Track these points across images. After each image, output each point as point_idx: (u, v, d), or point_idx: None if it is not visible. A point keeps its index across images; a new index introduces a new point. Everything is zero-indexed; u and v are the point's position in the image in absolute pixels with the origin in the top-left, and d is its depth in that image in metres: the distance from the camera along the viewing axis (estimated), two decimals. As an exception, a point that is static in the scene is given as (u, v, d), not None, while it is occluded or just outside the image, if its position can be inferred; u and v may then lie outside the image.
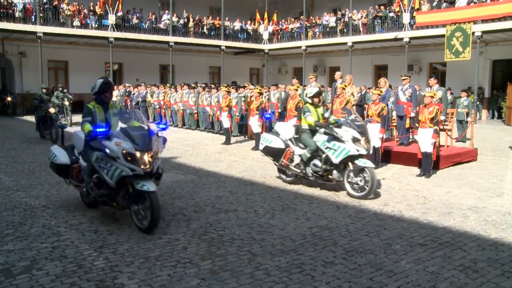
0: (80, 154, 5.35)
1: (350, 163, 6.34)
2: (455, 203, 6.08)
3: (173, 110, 16.74)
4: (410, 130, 9.67)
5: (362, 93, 13.44)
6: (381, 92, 9.57)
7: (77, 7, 21.02)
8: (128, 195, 4.74)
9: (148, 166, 4.60)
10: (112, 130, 4.98)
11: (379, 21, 21.47)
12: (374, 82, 22.62)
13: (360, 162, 6.23)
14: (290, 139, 7.08)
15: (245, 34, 26.48)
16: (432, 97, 7.90)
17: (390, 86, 12.46)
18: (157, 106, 17.87)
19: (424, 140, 7.68)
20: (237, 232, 4.79)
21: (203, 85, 17.47)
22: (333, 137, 6.48)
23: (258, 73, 31.09)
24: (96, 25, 21.22)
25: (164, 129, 5.22)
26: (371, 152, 6.47)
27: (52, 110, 11.87)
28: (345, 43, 22.10)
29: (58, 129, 11.37)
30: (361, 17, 22.29)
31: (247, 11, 28.46)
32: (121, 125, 5.08)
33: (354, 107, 10.07)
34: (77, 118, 16.74)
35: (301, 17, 25.70)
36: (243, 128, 13.83)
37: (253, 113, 11.10)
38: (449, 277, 3.70)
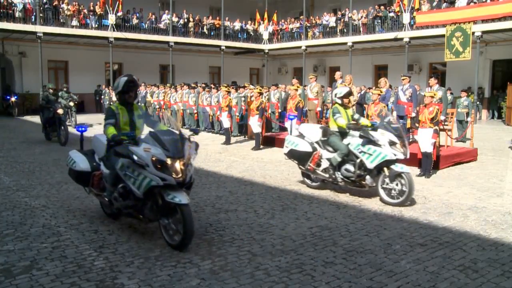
0: (101, 160, 4.91)
1: (385, 168, 5.98)
2: (455, 203, 6.08)
3: (173, 110, 16.73)
4: (410, 130, 9.67)
5: (362, 93, 13.46)
6: (381, 92, 9.58)
7: (77, 7, 21.02)
8: (157, 207, 4.27)
9: (180, 175, 4.10)
10: (137, 134, 4.69)
11: (379, 21, 21.48)
12: (374, 82, 22.63)
13: (397, 167, 5.89)
14: (317, 142, 6.67)
15: (245, 34, 26.48)
16: (432, 97, 7.90)
17: (390, 86, 12.47)
18: (157, 106, 17.87)
19: (424, 140, 7.68)
20: (237, 232, 4.79)
21: (203, 85, 17.47)
22: (368, 141, 6.10)
23: (258, 73, 31.09)
24: (96, 25, 21.23)
25: (196, 132, 4.96)
26: (408, 156, 6.12)
27: (60, 111, 11.36)
28: (345, 43, 22.10)
29: (65, 130, 11.08)
30: (361, 17, 22.29)
31: (247, 11, 28.47)
32: (147, 128, 4.68)
33: (354, 107, 10.07)
34: (80, 119, 16.84)
35: (301, 17, 25.69)
36: (243, 128, 13.83)
37: (253, 113, 11.11)
38: (449, 277, 3.70)
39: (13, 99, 20.10)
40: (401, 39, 19.89)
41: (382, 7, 22.07)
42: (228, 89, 12.79)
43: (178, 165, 4.10)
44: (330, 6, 27.51)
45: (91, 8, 21.42)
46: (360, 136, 6.23)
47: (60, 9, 20.49)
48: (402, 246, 4.42)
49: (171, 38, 22.82)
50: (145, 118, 4.87)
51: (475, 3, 17.93)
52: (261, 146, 11.21)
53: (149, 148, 4.14)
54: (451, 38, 17.81)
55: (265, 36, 26.53)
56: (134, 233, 4.71)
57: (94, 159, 5.09)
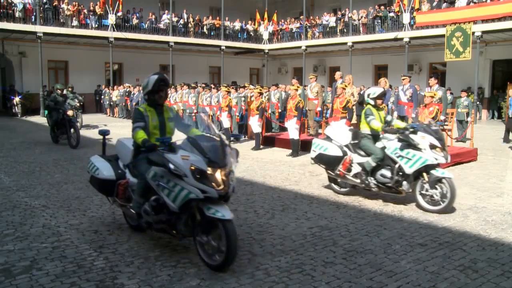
0: (127, 167, 4.48)
1: (424, 173, 5.65)
2: (455, 203, 6.07)
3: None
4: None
5: (361, 92, 13.46)
6: (381, 92, 9.56)
7: (77, 7, 21.03)
8: (193, 222, 3.85)
9: (222, 187, 3.64)
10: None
11: (379, 21, 21.48)
12: (374, 82, 22.62)
13: (438, 172, 5.56)
14: (346, 146, 6.28)
15: (245, 34, 26.49)
16: (432, 97, 7.90)
17: (390, 86, 12.47)
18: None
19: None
20: (237, 232, 4.78)
21: (203, 85, 17.48)
22: (407, 145, 5.75)
23: (258, 73, 31.10)
24: (96, 25, 21.24)
25: (238, 138, 4.32)
26: (449, 160, 5.86)
27: (70, 112, 10.87)
28: (345, 43, 22.11)
29: (76, 132, 10.75)
30: (361, 17, 22.30)
31: (247, 11, 28.48)
32: (178, 133, 4.31)
33: (354, 107, 10.07)
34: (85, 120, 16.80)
35: (301, 17, 25.71)
36: (243, 128, 13.83)
37: (253, 113, 11.11)
38: (449, 277, 3.70)
39: (17, 99, 19.90)
40: (401, 39, 19.90)
41: (382, 7, 22.08)
42: (228, 89, 12.80)
43: (219, 175, 3.63)
44: (330, 6, 27.52)
45: (91, 8, 21.43)
46: (399, 140, 5.86)
47: (60, 9, 20.50)
48: (402, 246, 4.42)
49: (171, 38, 22.83)
50: (176, 121, 4.41)
51: (475, 3, 17.93)
52: (261, 146, 11.21)
53: (187, 155, 3.66)
54: (451, 38, 17.81)
55: (265, 36, 26.54)
56: (134, 233, 4.70)
57: (119, 165, 4.62)
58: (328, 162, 6.35)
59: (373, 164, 5.95)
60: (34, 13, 19.55)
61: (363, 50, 23.81)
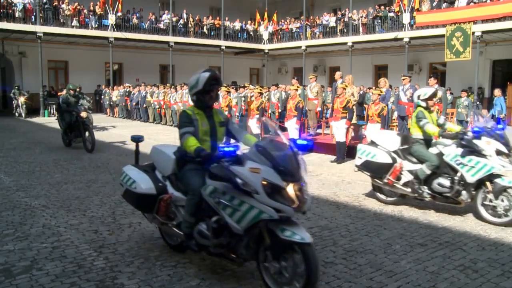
0: (167, 179, 3.92)
1: (487, 182, 5.18)
2: (455, 203, 6.07)
3: (173, 110, 16.75)
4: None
5: (361, 93, 13.47)
6: (381, 92, 9.58)
7: (77, 7, 21.03)
8: (257, 244, 3.27)
9: (298, 204, 3.07)
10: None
11: (379, 21, 21.48)
12: (374, 82, 22.62)
13: (504, 182, 5.07)
14: (395, 152, 5.80)
15: (245, 34, 26.49)
16: (432, 97, 7.89)
17: (390, 86, 12.48)
18: (157, 106, 17.88)
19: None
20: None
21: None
22: (469, 151, 5.24)
23: (258, 73, 31.10)
24: (96, 25, 21.24)
25: (308, 146, 3.60)
26: None
27: (84, 114, 10.16)
28: (345, 43, 22.10)
29: (91, 135, 10.11)
30: (361, 17, 22.30)
31: (247, 11, 28.48)
32: (232, 140, 3.87)
33: (354, 107, 10.07)
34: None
35: (301, 17, 25.70)
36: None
37: (253, 113, 11.11)
38: (449, 277, 3.70)
39: (22, 99, 19.57)
40: (401, 39, 19.90)
41: (382, 7, 22.08)
42: (228, 89, 12.80)
43: (293, 190, 3.06)
44: (330, 6, 27.52)
45: (91, 8, 21.43)
46: (460, 145, 5.35)
47: (60, 9, 20.50)
48: (402, 246, 4.42)
49: (171, 38, 22.83)
50: (229, 126, 3.84)
51: (475, 3, 17.93)
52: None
53: (257, 168, 3.04)
54: (451, 38, 17.80)
55: (265, 36, 26.53)
56: (134, 233, 4.71)
57: (157, 177, 3.98)
58: (375, 170, 5.85)
59: (428, 172, 5.48)
60: (34, 13, 19.55)
61: (363, 50, 23.80)
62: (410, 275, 3.73)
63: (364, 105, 11.98)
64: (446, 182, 5.41)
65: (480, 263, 4.02)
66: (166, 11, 23.79)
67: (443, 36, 18.10)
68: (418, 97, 5.85)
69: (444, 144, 5.57)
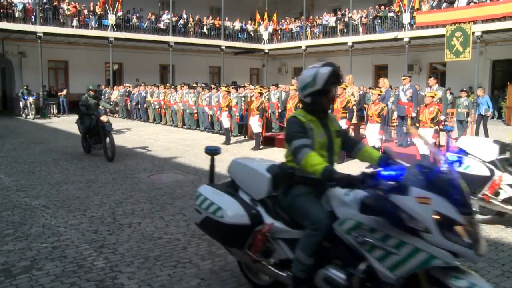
0: (260, 203, 3.06)
1: None
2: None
3: (173, 110, 16.75)
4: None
5: (361, 93, 13.47)
6: (381, 92, 9.58)
7: (77, 7, 21.03)
8: None
9: (479, 246, 2.27)
10: (335, 161, 2.91)
11: (379, 21, 21.49)
12: (374, 82, 22.63)
13: None
14: (492, 162, 4.94)
15: (245, 34, 26.50)
16: (432, 97, 7.91)
17: (390, 86, 12.48)
18: (157, 106, 17.89)
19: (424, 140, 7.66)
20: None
21: (203, 85, 17.49)
22: None
23: (258, 73, 31.11)
24: (96, 25, 21.24)
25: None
26: None
27: (104, 118, 9.21)
28: (345, 43, 22.12)
29: (112, 141, 9.04)
30: (361, 17, 22.31)
31: (247, 11, 28.49)
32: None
33: (354, 107, 10.07)
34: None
35: (301, 17, 25.71)
36: (243, 128, 13.84)
37: (253, 113, 11.12)
38: (449, 277, 3.69)
39: (31, 99, 18.98)
40: (401, 39, 19.90)
41: (382, 7, 22.09)
42: (228, 89, 12.81)
43: (468, 226, 2.28)
44: (330, 6, 27.53)
45: (91, 8, 21.44)
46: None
47: (60, 9, 20.50)
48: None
49: (171, 38, 22.84)
50: (344, 135, 3.06)
51: (475, 3, 17.94)
52: (261, 146, 11.21)
53: (427, 197, 2.28)
54: (451, 38, 17.81)
55: (265, 36, 26.54)
56: (134, 233, 4.71)
57: (245, 201, 3.10)
58: (469, 183, 4.64)
59: None
60: (34, 13, 19.55)
61: (363, 50, 23.82)
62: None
63: (364, 105, 11.99)
64: None
65: (480, 263, 4.01)
66: (166, 11, 23.80)
67: (443, 36, 18.11)
68: None
69: None
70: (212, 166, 3.60)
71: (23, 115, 19.39)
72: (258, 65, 30.49)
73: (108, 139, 9.18)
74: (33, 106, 18.86)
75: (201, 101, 14.91)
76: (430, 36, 19.45)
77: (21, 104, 19.50)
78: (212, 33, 24.89)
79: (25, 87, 19.31)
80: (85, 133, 9.80)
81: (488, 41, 19.80)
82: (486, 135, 12.27)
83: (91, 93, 10.02)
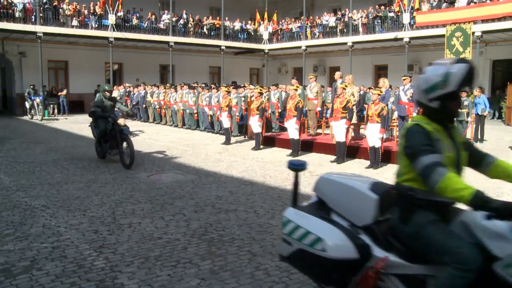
0: (364, 231, 2.43)
1: None
2: (455, 203, 6.06)
3: (173, 110, 16.76)
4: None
5: (361, 92, 13.47)
6: (381, 92, 9.58)
7: (77, 7, 21.02)
8: None
9: None
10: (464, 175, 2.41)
11: (379, 21, 21.50)
12: (374, 82, 22.63)
13: None
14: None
15: (245, 34, 26.51)
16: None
17: (390, 86, 12.48)
18: (157, 106, 17.90)
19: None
20: (237, 232, 4.79)
21: (203, 85, 17.50)
22: None
23: (258, 73, 31.11)
24: (96, 25, 21.24)
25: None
26: None
27: (121, 121, 8.44)
28: (345, 43, 22.12)
29: (130, 147, 8.30)
30: (361, 17, 22.31)
31: (247, 11, 28.49)
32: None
33: (354, 107, 10.07)
34: (79, 119, 16.80)
35: (301, 17, 25.72)
36: (243, 128, 13.85)
37: (253, 113, 11.12)
38: (449, 277, 3.69)
39: (37, 100, 18.36)
40: (401, 39, 19.91)
41: (382, 7, 22.09)
42: (228, 89, 12.81)
43: None
44: (330, 6, 27.53)
45: (91, 8, 21.44)
46: None
47: (60, 9, 20.51)
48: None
49: (171, 38, 22.84)
50: (471, 148, 2.59)
51: (475, 3, 17.95)
52: (261, 146, 11.21)
53: None
54: (451, 38, 17.81)
55: (265, 36, 26.55)
56: (134, 233, 4.71)
57: (347, 228, 2.45)
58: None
59: None
60: (34, 13, 19.54)
61: (363, 50, 23.82)
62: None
63: (364, 105, 11.99)
64: None
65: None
66: (166, 11, 23.80)
67: (443, 36, 18.11)
68: None
69: None
70: (296, 184, 2.77)
71: (29, 116, 19.04)
72: (258, 65, 30.49)
73: (125, 144, 8.44)
74: (40, 106, 18.33)
75: (201, 101, 14.91)
76: (430, 36, 19.45)
77: (27, 105, 19.01)
78: (212, 33, 24.89)
79: (31, 87, 18.89)
80: (99, 137, 8.97)
81: (488, 41, 19.80)
82: (482, 135, 12.28)
83: (107, 94, 9.14)
